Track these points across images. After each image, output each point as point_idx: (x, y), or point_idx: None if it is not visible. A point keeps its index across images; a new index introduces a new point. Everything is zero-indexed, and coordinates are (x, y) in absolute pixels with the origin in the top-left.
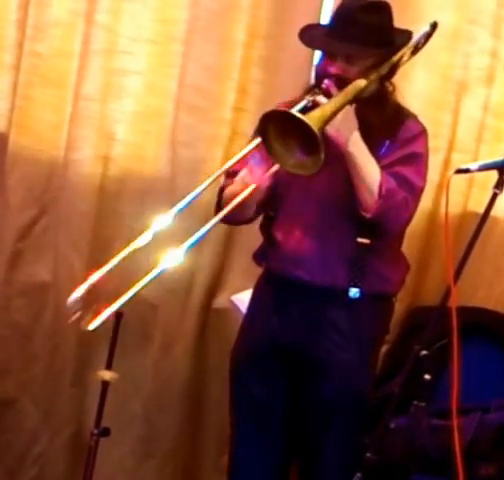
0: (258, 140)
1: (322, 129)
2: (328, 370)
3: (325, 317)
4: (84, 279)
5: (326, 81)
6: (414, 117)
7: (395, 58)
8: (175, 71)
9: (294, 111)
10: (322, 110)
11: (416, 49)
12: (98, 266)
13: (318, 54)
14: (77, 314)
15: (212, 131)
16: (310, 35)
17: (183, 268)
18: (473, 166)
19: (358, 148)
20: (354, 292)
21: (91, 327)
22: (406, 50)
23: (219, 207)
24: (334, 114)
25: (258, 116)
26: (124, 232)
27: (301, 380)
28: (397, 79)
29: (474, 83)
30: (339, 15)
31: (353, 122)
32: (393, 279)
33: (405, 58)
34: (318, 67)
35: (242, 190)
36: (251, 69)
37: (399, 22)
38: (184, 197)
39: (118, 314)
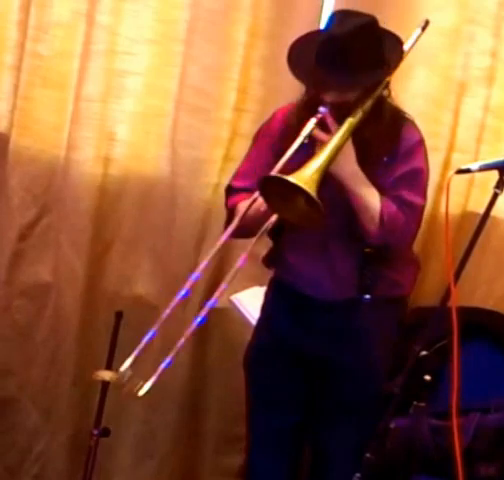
0: (256, 194)
1: (319, 188)
2: (341, 372)
3: (337, 321)
4: (85, 279)
5: (321, 109)
6: (411, 122)
7: (389, 78)
8: (176, 71)
9: (289, 178)
10: (319, 162)
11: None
12: (98, 266)
13: None
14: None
15: (212, 131)
16: (300, 64)
17: (183, 267)
18: (474, 166)
19: (357, 180)
20: (366, 298)
21: (141, 393)
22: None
23: (229, 223)
24: (332, 160)
25: (259, 116)
26: (124, 232)
27: (314, 382)
28: (397, 79)
29: (474, 83)
30: (327, 45)
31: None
32: (404, 282)
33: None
34: (312, 90)
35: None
36: (252, 69)
37: (399, 22)
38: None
39: (118, 314)
